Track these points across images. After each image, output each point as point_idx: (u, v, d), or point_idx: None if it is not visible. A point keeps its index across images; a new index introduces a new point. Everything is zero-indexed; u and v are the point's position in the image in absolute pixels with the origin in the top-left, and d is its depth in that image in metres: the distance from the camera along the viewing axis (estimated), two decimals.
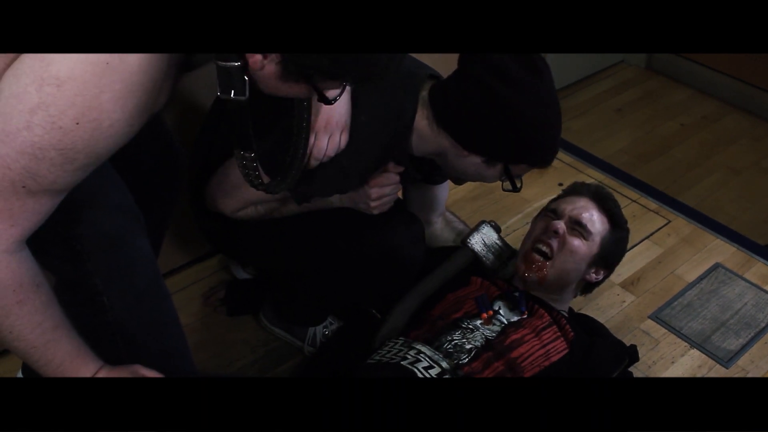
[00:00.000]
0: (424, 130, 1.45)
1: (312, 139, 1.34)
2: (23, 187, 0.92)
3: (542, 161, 1.46)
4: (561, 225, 1.63)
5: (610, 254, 1.67)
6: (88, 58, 0.87)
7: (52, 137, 0.89)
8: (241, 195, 1.48)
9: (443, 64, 1.55)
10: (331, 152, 1.36)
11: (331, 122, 1.34)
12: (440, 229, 1.94)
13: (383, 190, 1.47)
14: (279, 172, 1.30)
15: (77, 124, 0.89)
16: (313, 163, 1.37)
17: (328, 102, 1.07)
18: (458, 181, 1.59)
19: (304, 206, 1.50)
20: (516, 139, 1.38)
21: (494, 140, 1.39)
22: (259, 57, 0.95)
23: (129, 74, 0.90)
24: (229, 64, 0.97)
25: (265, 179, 1.31)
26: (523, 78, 1.35)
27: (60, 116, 0.88)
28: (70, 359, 1.08)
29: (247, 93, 1.01)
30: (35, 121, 0.88)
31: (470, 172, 1.48)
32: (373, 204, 1.48)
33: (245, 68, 0.98)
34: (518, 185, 1.48)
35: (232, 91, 1.01)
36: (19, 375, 1.53)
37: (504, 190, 1.50)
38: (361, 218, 1.51)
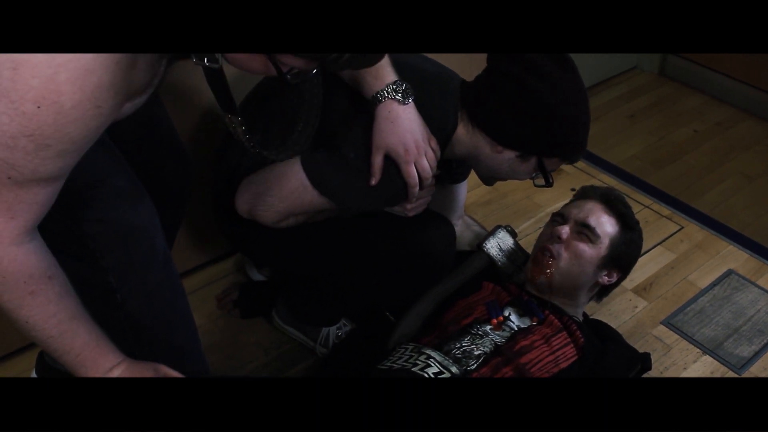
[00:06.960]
0: (459, 132, 1.47)
1: (410, 169, 1.38)
2: (9, 178, 0.91)
3: (573, 154, 1.50)
4: (565, 230, 1.63)
5: (622, 255, 1.66)
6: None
7: (18, 124, 0.87)
8: (284, 207, 1.47)
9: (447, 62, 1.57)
10: (434, 163, 1.41)
11: (419, 142, 1.38)
12: (460, 231, 1.94)
13: (420, 193, 1.49)
14: (286, 140, 1.29)
15: (38, 107, 0.87)
16: (426, 186, 1.43)
17: (286, 81, 1.02)
18: (489, 180, 1.60)
19: (342, 212, 1.51)
20: (550, 131, 1.41)
21: (529, 133, 1.42)
22: None
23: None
24: None
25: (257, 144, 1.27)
26: (556, 73, 1.38)
27: (21, 101, 0.86)
28: (89, 349, 1.08)
29: (220, 61, 1.02)
30: (0, 110, 0.87)
31: (504, 170, 1.51)
32: (409, 207, 1.51)
33: None
34: (550, 180, 1.51)
35: (206, 59, 1.02)
36: (33, 375, 1.55)
37: (536, 185, 1.53)
38: (394, 220, 1.54)
